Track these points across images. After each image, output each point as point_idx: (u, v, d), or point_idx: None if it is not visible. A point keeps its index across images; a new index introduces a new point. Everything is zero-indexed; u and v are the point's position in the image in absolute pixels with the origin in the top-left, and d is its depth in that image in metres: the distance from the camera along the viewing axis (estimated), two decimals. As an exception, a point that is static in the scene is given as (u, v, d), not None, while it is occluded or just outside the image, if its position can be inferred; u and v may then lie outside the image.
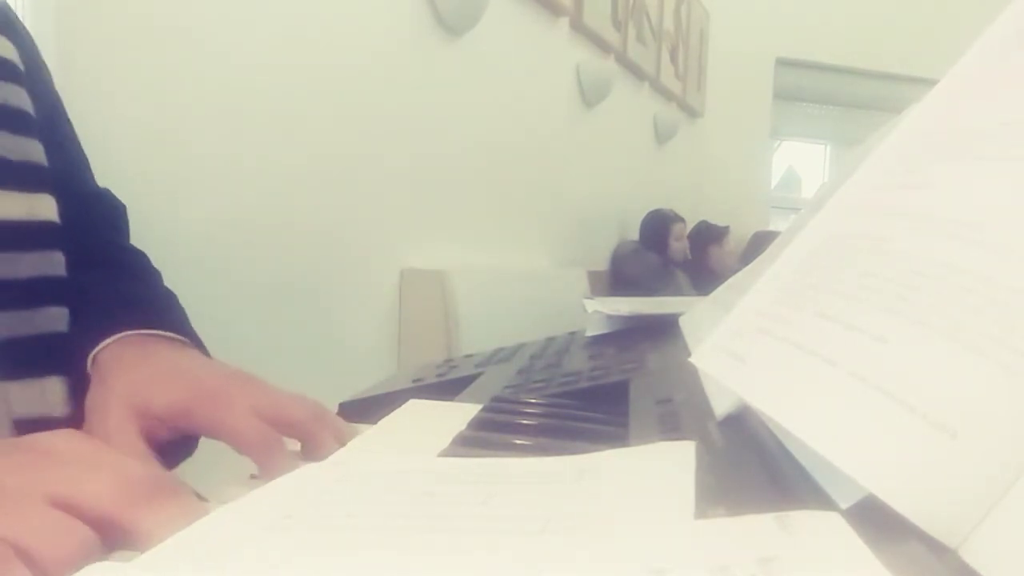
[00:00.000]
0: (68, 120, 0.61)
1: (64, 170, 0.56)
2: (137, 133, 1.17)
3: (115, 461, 0.30)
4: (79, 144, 0.62)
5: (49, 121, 0.56)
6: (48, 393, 0.49)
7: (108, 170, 0.64)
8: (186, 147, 1.25)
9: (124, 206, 0.64)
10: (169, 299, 0.58)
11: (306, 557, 0.22)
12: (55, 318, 0.51)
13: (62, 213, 0.53)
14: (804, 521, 0.19)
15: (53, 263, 0.52)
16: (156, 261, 0.62)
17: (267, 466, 0.37)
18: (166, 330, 0.50)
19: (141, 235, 0.64)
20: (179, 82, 1.23)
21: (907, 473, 0.20)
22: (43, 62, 0.60)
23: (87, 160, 0.62)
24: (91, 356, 0.48)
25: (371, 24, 1.65)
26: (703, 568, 0.17)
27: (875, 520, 0.20)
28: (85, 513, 0.27)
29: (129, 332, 0.49)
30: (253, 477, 0.38)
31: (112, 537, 0.27)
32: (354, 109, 1.61)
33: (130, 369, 0.46)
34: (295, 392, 0.43)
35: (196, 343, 0.52)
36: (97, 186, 0.63)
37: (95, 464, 0.30)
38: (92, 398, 0.45)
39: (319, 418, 0.42)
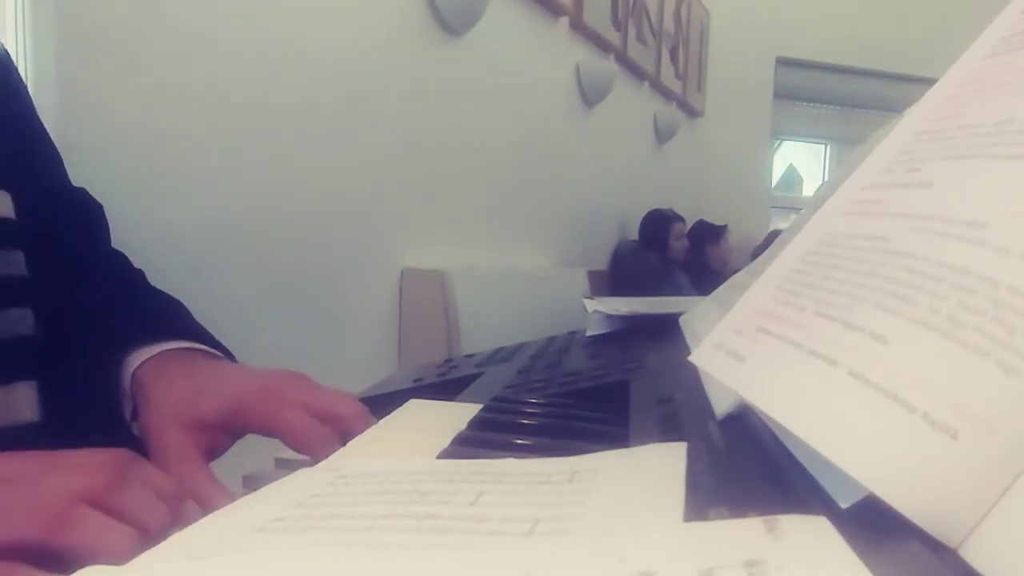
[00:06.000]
0: (37, 117, 0.58)
1: (30, 167, 0.53)
2: (133, 135, 1.16)
3: (32, 477, 0.29)
4: (50, 141, 0.59)
5: (10, 116, 0.53)
6: (16, 400, 0.47)
7: (105, 170, 0.63)
8: (184, 147, 1.25)
9: (101, 206, 0.61)
10: (185, 309, 0.56)
11: (295, 558, 0.22)
12: (18, 320, 0.48)
13: (29, 211, 0.50)
14: (792, 525, 0.19)
15: (13, 262, 0.49)
16: (156, 263, 0.62)
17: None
18: (200, 343, 0.49)
19: (139, 236, 0.64)
20: (177, 82, 1.23)
21: (907, 473, 0.20)
22: (5, 55, 0.57)
23: (60, 158, 0.59)
24: (130, 373, 0.46)
25: (371, 24, 1.65)
26: (690, 571, 0.17)
27: (875, 520, 0.20)
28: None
29: (166, 347, 0.47)
30: (278, 459, 0.38)
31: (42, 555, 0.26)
32: (354, 109, 1.61)
33: (175, 385, 0.44)
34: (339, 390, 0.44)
35: (225, 353, 0.51)
36: (71, 185, 0.60)
37: (9, 481, 0.29)
38: (144, 420, 0.45)
39: (366, 414, 0.42)
